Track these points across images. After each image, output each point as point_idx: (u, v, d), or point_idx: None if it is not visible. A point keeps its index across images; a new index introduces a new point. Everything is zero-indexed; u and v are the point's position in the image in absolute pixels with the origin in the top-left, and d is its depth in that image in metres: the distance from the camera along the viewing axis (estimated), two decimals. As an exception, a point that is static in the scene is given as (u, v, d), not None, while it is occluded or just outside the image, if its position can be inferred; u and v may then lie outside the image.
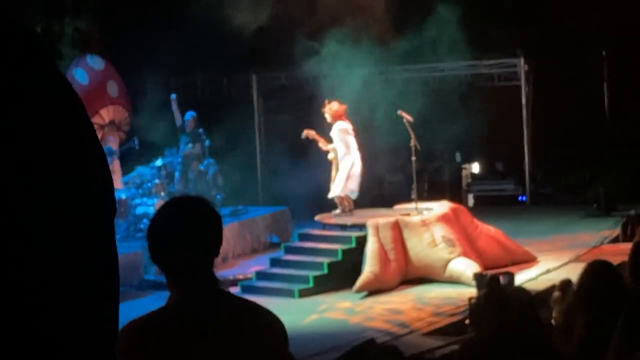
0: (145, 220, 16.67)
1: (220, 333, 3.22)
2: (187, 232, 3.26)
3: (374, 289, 14.53)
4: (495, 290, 7.78)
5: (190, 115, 18.67)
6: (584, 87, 22.29)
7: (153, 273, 15.01)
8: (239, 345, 3.23)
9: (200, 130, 18.78)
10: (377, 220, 15.32)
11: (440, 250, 14.98)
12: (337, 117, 16.19)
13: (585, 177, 21.85)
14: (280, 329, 3.34)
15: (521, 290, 6.11)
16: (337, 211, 16.48)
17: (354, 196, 16.43)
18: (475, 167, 23.30)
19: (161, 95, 21.05)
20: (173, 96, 18.81)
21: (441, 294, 14.18)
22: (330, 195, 16.45)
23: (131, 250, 15.30)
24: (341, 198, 16.34)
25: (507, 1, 20.73)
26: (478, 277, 12.92)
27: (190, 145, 18.46)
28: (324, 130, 16.65)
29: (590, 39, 22.07)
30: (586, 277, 5.93)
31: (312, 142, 16.96)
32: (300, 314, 13.54)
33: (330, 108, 16.20)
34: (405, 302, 13.93)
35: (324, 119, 16.49)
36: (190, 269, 3.25)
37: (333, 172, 16.42)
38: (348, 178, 16.25)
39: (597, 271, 5.96)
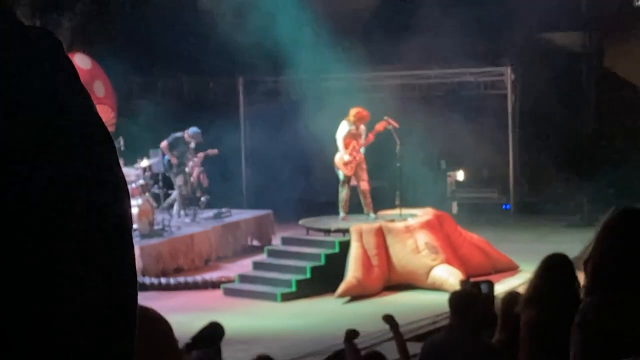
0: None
1: None
2: None
3: (357, 295, 14.54)
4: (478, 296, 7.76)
5: (196, 131, 18.41)
6: (571, 97, 22.36)
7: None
8: None
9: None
10: (360, 226, 15.33)
11: (423, 257, 15.00)
12: (355, 119, 15.97)
13: (570, 186, 21.88)
14: (162, 326, 3.31)
15: (516, 294, 5.99)
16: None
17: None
18: (460, 175, 23.32)
19: (149, 95, 20.97)
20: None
21: (423, 300, 14.20)
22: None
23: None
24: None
25: (494, 9, 20.76)
26: (464, 283, 12.94)
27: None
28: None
29: (577, 49, 22.18)
30: (539, 273, 5.37)
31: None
32: (283, 317, 13.54)
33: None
34: (388, 308, 13.91)
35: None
36: None
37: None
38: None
39: (551, 265, 5.41)
